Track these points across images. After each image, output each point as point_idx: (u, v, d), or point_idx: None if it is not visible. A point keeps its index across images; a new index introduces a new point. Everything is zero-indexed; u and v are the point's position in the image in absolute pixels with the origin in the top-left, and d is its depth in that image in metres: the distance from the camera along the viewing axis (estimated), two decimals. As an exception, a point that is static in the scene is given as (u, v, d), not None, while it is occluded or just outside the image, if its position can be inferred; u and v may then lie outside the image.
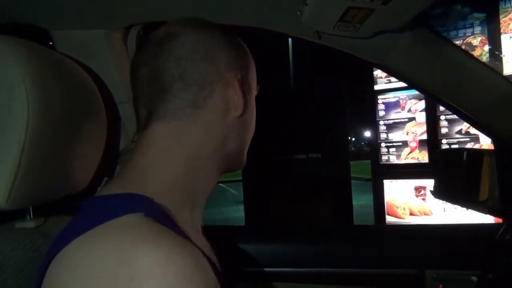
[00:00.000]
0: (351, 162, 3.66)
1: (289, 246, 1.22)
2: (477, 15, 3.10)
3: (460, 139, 3.17)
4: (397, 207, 3.39)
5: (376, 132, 3.55)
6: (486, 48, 3.06)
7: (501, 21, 2.99)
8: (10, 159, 0.54)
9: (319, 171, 3.24)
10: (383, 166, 3.50)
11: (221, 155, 0.62)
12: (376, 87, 3.51)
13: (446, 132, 3.22)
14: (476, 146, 3.05)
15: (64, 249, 0.46)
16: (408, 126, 3.40)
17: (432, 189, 1.07)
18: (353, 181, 3.58)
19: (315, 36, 0.81)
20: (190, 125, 0.58)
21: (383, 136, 3.51)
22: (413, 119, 3.39)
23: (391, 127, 3.48)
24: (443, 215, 3.21)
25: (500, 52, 2.99)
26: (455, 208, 3.04)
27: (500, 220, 1.08)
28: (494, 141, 0.99)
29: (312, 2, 0.69)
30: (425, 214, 3.29)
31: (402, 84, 3.38)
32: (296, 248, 1.21)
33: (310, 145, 3.31)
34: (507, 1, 2.95)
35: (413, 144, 3.37)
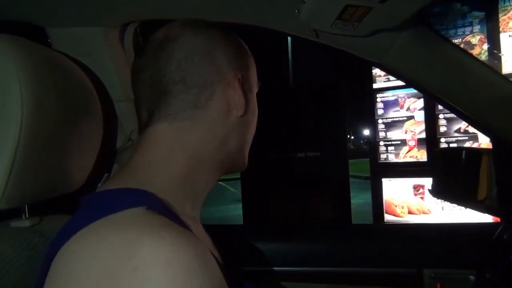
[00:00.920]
0: (350, 161, 3.67)
1: (287, 244, 1.21)
2: (476, 13, 3.10)
3: (459, 138, 3.16)
4: (396, 206, 3.38)
5: (375, 130, 3.54)
6: (485, 46, 3.06)
7: (500, 20, 2.98)
8: (5, 157, 0.54)
9: (317, 169, 3.24)
10: (381, 165, 3.50)
11: (222, 154, 0.62)
12: (375, 86, 3.51)
13: (445, 131, 3.22)
14: (475, 145, 3.04)
15: (67, 242, 0.46)
16: (407, 124, 3.39)
17: (430, 188, 1.07)
18: (352, 180, 3.58)
19: (313, 35, 0.81)
20: (192, 125, 0.58)
21: (381, 134, 3.50)
22: (411, 117, 3.38)
23: (389, 125, 3.48)
24: (442, 214, 3.20)
25: (499, 50, 2.98)
26: (454, 207, 3.04)
27: (498, 219, 1.08)
28: (492, 140, 0.98)
29: (310, 0, 0.69)
30: (423, 213, 3.29)
31: (401, 83, 3.35)
32: (294, 247, 1.21)
33: (308, 143, 3.30)
34: (506, 0, 2.95)
35: (412, 143, 3.37)
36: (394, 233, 1.27)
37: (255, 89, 0.68)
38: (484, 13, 3.07)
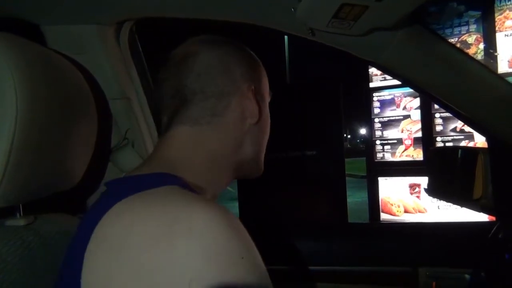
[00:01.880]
0: (346, 160, 3.66)
1: (282, 243, 1.21)
2: (472, 13, 3.11)
3: (455, 137, 3.18)
4: (392, 205, 3.40)
5: (371, 129, 3.56)
6: (481, 46, 3.07)
7: (496, 19, 2.99)
8: None
9: (314, 168, 3.24)
10: (378, 164, 3.52)
11: (237, 158, 0.68)
12: (371, 85, 3.52)
13: (441, 130, 3.24)
14: (471, 144, 3.06)
15: (109, 213, 0.50)
16: (403, 123, 3.41)
17: (426, 187, 1.07)
18: (348, 178, 3.58)
19: (309, 33, 0.80)
20: (211, 130, 0.64)
21: (378, 133, 3.52)
22: (408, 116, 3.40)
23: (386, 124, 3.49)
24: (438, 213, 3.22)
25: (495, 50, 3.00)
26: (450, 206, 3.05)
27: (493, 218, 1.08)
28: (488, 140, 0.98)
29: (306, -2, 0.68)
30: (419, 212, 3.31)
31: (397, 82, 3.32)
32: (290, 245, 1.21)
33: (305, 142, 3.30)
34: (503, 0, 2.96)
35: (408, 142, 3.38)
36: (389, 232, 1.27)
37: (268, 99, 0.74)
38: (480, 12, 3.08)
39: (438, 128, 3.25)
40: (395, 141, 3.44)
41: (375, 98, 3.52)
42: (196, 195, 0.54)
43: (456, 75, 0.87)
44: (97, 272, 0.47)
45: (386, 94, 3.48)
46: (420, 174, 3.24)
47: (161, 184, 0.53)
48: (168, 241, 0.45)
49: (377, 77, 3.49)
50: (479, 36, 3.07)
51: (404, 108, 3.40)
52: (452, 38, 3.14)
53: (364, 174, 4.06)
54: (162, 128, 0.67)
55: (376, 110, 3.52)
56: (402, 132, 3.41)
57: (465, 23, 3.13)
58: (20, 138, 0.54)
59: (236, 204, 3.41)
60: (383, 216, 3.45)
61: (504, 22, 2.96)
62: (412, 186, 3.33)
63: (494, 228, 1.03)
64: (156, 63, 0.90)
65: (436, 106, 3.21)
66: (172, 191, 0.52)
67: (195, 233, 0.45)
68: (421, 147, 3.32)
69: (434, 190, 1.05)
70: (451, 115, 3.08)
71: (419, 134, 3.33)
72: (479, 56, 3.05)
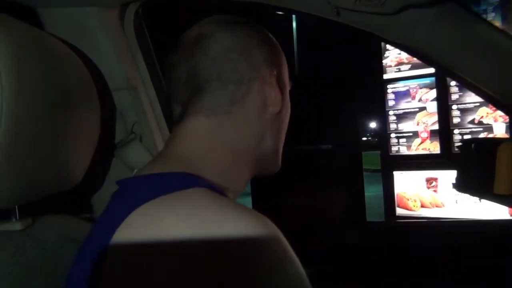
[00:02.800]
0: (359, 153, 3.61)
1: (297, 240, 1.16)
2: (491, 0, 3.01)
3: (473, 129, 3.11)
4: (408, 199, 3.34)
5: (385, 122, 3.49)
6: (501, 34, 2.98)
7: (515, 6, 2.90)
8: None
9: (329, 162, 3.19)
10: (393, 157, 3.45)
11: (257, 152, 0.62)
12: (385, 76, 3.45)
13: (458, 122, 3.16)
14: (490, 136, 2.98)
15: (129, 218, 0.45)
16: (419, 116, 3.33)
17: (454, 181, 1.00)
18: (360, 172, 3.53)
19: (334, 13, 0.73)
20: (230, 120, 0.59)
21: (393, 126, 3.44)
22: (424, 108, 3.32)
23: (401, 117, 3.42)
24: (456, 207, 3.14)
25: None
26: (468, 199, 2.97)
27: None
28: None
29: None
30: (436, 206, 3.24)
31: (412, 73, 3.32)
32: (305, 244, 1.15)
33: (319, 135, 3.25)
34: (523, -15, 2.86)
35: (424, 135, 3.31)
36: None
37: (288, 87, 0.68)
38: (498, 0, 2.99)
39: (456, 120, 3.17)
40: (411, 134, 3.36)
41: (389, 90, 3.45)
42: (230, 200, 0.49)
43: (494, 56, 0.79)
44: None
45: (400, 86, 3.40)
46: (437, 168, 3.17)
47: (185, 186, 0.48)
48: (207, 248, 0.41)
49: (391, 69, 3.41)
50: (498, 23, 2.98)
51: (420, 100, 3.32)
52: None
53: (377, 168, 3.99)
54: (174, 119, 0.62)
55: (391, 102, 3.45)
56: (417, 124, 3.33)
57: (483, 11, 3.04)
58: (7, 132, 0.48)
59: (249, 199, 3.38)
60: (399, 211, 3.39)
61: (524, 8, 2.87)
62: (429, 180, 3.25)
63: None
64: (164, 50, 0.84)
65: (453, 98, 3.14)
66: (201, 195, 0.47)
67: (232, 240, 0.42)
68: (438, 140, 3.25)
69: (463, 186, 0.99)
70: (469, 106, 2.99)
71: (436, 127, 3.25)
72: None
